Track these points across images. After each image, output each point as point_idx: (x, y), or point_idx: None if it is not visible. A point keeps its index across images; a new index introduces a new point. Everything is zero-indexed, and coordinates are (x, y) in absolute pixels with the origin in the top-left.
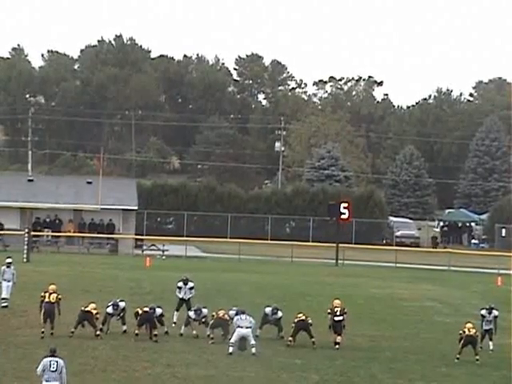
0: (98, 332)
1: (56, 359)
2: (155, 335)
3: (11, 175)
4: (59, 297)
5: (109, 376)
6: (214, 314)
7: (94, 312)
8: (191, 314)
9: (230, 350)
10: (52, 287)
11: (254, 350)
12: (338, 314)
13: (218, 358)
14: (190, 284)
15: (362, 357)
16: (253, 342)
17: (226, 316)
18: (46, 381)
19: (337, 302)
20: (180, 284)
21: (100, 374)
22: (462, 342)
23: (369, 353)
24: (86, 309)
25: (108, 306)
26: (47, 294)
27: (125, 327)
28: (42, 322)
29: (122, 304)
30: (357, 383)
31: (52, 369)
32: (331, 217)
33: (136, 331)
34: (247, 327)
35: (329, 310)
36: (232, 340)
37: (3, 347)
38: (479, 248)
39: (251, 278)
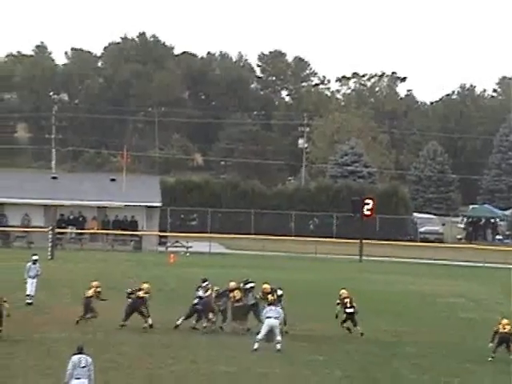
0: (150, 322)
1: (84, 356)
2: (205, 327)
3: (35, 173)
4: (98, 290)
5: (133, 373)
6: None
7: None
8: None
9: (256, 345)
10: (94, 283)
11: (278, 346)
12: (348, 305)
13: (242, 354)
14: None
15: (386, 352)
16: (279, 337)
17: (238, 294)
18: (77, 378)
19: (344, 293)
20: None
21: (125, 370)
22: (496, 340)
23: (392, 348)
24: (139, 294)
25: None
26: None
27: (150, 321)
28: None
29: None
30: (380, 379)
31: (82, 365)
32: (355, 213)
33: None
34: (275, 318)
35: (338, 301)
36: (259, 336)
37: (28, 344)
38: (503, 243)
39: (275, 275)
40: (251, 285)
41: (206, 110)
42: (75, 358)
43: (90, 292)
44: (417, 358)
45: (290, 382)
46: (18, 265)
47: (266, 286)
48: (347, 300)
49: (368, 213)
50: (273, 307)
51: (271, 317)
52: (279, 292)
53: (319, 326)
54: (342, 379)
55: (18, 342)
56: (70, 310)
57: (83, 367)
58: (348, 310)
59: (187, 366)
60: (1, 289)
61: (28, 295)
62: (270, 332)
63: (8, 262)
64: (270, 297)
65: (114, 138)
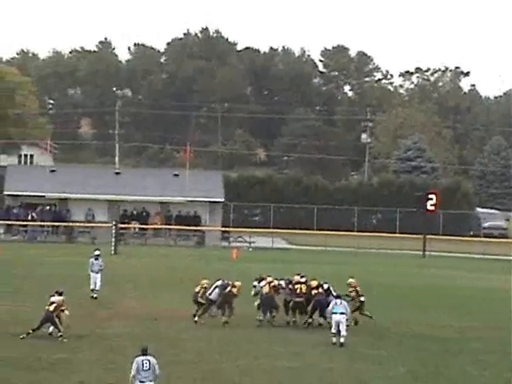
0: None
1: (148, 358)
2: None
3: (99, 168)
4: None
5: (197, 367)
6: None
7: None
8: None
9: (334, 340)
10: (204, 281)
11: (342, 339)
12: (360, 294)
13: (304, 350)
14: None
15: (449, 348)
16: (344, 332)
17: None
18: (141, 381)
19: (354, 281)
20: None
21: (189, 365)
22: None
23: (456, 344)
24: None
25: (212, 293)
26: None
27: (225, 318)
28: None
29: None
30: (444, 374)
31: (145, 368)
32: (418, 208)
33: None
34: (341, 313)
35: (351, 290)
36: (333, 330)
37: (91, 339)
38: None
39: (337, 270)
40: (326, 286)
41: (268, 105)
42: (139, 360)
43: (198, 288)
44: (482, 353)
45: (353, 377)
46: (81, 260)
47: (313, 282)
48: (358, 288)
49: (432, 208)
50: (338, 301)
51: (337, 312)
52: (325, 286)
53: (384, 321)
54: (405, 374)
55: (81, 336)
56: (134, 304)
57: (147, 370)
58: (362, 299)
59: (251, 361)
60: (65, 284)
61: (92, 290)
62: (337, 326)
63: (72, 258)
64: (314, 291)
65: (177, 133)
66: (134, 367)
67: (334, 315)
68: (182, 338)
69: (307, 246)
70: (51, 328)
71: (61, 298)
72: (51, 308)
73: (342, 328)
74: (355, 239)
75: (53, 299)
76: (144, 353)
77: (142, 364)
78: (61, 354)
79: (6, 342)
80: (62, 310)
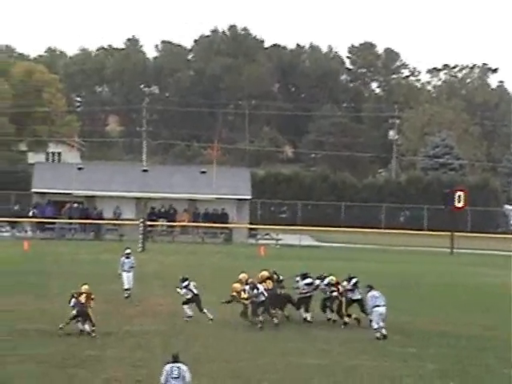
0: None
1: (178, 365)
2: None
3: (126, 165)
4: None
5: (225, 365)
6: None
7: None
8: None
9: (378, 334)
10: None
11: (384, 331)
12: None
13: (331, 347)
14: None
15: (477, 346)
16: (383, 323)
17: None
18: None
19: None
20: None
21: (217, 363)
22: None
23: (483, 342)
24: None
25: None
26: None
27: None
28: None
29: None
30: (472, 373)
31: (174, 375)
32: (446, 205)
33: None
34: (383, 305)
35: (334, 288)
36: (375, 326)
37: (119, 336)
38: None
39: (365, 267)
40: (354, 280)
41: (295, 102)
42: (168, 367)
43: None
44: (509, 351)
45: (382, 374)
46: (109, 257)
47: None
48: (340, 287)
49: (460, 205)
50: (376, 293)
51: (380, 305)
52: (354, 280)
53: (411, 319)
54: (434, 372)
55: (109, 334)
56: (161, 302)
57: (176, 378)
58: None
59: (277, 358)
60: (93, 281)
61: (126, 289)
62: (379, 319)
63: (100, 255)
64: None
65: (205, 130)
66: (163, 374)
67: (377, 308)
68: (206, 336)
69: (334, 244)
70: (82, 325)
71: (86, 287)
72: (82, 299)
73: (384, 319)
74: (383, 236)
75: (82, 289)
76: (174, 359)
77: (172, 371)
78: (90, 351)
79: (36, 339)
80: (92, 298)
